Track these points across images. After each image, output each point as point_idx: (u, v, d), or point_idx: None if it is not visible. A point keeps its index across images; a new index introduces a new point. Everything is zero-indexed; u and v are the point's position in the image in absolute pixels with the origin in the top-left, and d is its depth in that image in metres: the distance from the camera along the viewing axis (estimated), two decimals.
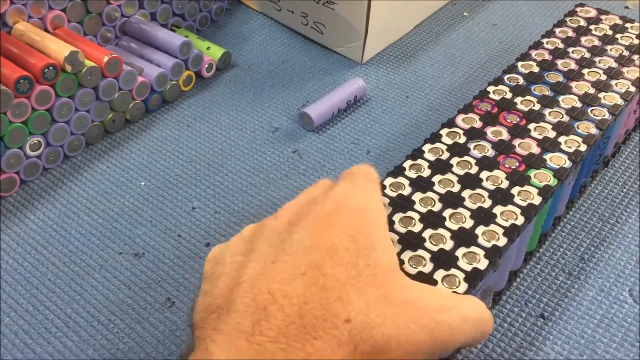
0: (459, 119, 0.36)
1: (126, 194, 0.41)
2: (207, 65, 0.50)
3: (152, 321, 0.34)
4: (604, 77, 0.39)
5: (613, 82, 0.39)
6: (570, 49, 0.42)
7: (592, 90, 0.38)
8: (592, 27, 0.44)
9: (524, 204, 0.31)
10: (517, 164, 0.33)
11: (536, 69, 0.40)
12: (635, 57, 0.41)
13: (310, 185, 0.30)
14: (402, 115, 0.47)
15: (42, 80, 0.40)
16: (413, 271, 0.28)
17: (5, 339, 0.33)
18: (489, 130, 0.35)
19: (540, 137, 0.35)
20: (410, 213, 0.31)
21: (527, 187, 0.32)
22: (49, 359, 0.32)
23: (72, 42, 0.43)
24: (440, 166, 0.33)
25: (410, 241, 0.29)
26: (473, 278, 0.28)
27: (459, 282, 0.28)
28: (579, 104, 0.37)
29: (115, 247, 0.38)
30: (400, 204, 0.31)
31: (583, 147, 0.34)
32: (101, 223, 0.39)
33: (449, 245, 0.29)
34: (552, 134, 0.35)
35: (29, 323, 0.33)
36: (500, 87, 0.39)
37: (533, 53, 0.41)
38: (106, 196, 0.41)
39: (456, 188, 0.32)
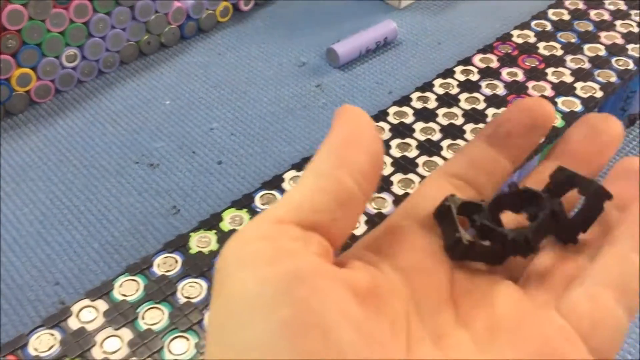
0: (476, 59, 0.36)
1: (151, 110, 0.43)
2: None
3: (156, 225, 0.35)
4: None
5: None
6: (606, 1, 0.40)
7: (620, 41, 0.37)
8: None
9: None
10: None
11: (567, 17, 0.39)
12: None
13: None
14: (431, 61, 0.47)
15: None
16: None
17: (20, 225, 0.35)
18: (505, 72, 0.35)
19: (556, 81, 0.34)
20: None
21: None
22: (58, 248, 0.34)
23: None
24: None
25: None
26: None
27: None
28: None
29: (133, 156, 0.39)
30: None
31: None
32: (123, 134, 0.41)
33: None
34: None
35: (44, 214, 0.36)
36: (526, 31, 0.38)
37: (567, 2, 0.40)
38: (132, 111, 0.43)
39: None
